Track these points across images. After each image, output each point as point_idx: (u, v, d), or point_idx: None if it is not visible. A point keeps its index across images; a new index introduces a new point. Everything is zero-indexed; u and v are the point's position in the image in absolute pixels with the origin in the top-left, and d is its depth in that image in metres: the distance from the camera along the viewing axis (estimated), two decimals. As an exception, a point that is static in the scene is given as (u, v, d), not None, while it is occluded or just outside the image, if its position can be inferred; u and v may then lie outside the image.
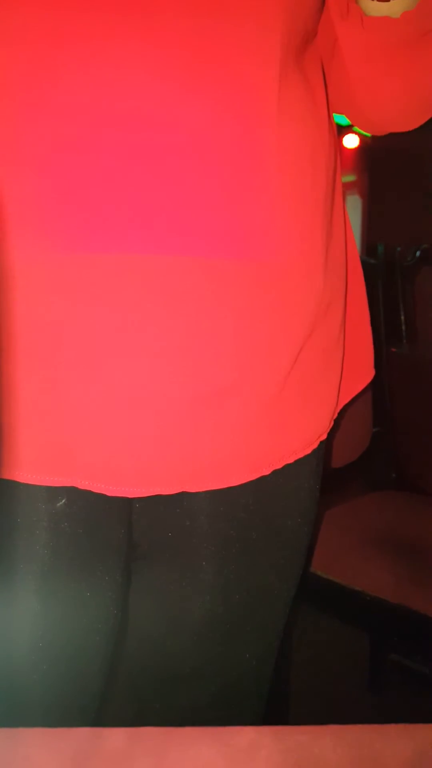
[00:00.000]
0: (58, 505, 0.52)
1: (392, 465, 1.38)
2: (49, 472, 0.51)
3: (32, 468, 0.50)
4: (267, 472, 0.55)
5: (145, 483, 0.52)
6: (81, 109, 0.44)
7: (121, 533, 0.56)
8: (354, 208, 6.19)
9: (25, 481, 0.51)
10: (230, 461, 0.53)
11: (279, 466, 0.55)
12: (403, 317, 1.40)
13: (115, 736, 0.36)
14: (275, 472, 0.56)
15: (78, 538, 0.54)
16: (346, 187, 6.27)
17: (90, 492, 0.52)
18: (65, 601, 0.54)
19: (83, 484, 0.51)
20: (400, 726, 0.37)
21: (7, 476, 0.50)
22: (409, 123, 0.58)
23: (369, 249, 1.50)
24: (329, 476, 1.25)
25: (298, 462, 0.57)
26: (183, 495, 0.55)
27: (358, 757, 0.35)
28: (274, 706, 1.15)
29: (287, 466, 0.56)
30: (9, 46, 0.44)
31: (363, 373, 0.67)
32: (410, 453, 1.36)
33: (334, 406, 0.59)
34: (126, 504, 0.56)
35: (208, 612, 0.58)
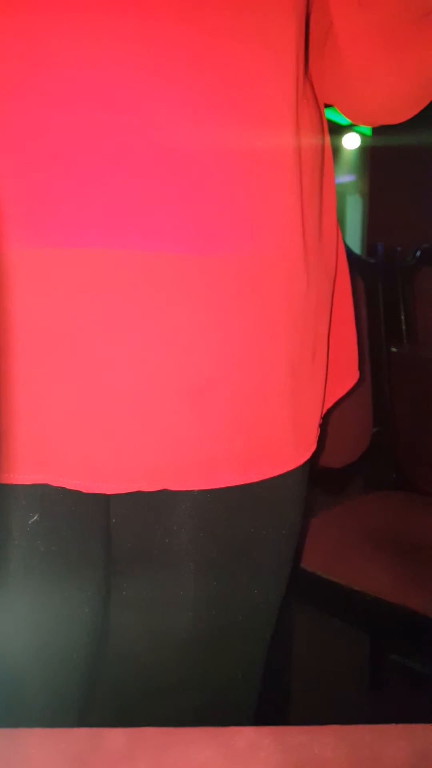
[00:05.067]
0: (30, 522, 0.50)
1: (392, 465, 1.38)
2: (22, 469, 0.48)
3: (3, 465, 0.48)
4: (255, 478, 0.53)
5: (123, 478, 0.49)
6: (63, 100, 0.43)
7: (97, 549, 0.55)
8: (354, 208, 6.20)
9: None
10: (215, 461, 0.51)
11: (269, 475, 0.53)
12: (403, 317, 1.40)
13: (115, 737, 0.36)
14: (258, 485, 0.54)
15: (52, 556, 0.52)
16: (346, 187, 6.28)
17: (65, 507, 0.50)
18: (39, 616, 0.53)
19: (58, 481, 0.49)
20: (400, 726, 0.37)
21: None
22: (404, 110, 0.55)
23: (369, 249, 1.50)
24: (329, 476, 1.26)
25: (283, 474, 0.55)
26: (163, 511, 0.53)
27: (358, 758, 0.35)
28: (274, 706, 1.15)
29: (272, 479, 0.54)
30: None
31: (348, 376, 0.65)
32: (410, 453, 1.36)
33: (320, 413, 0.58)
34: (104, 519, 0.55)
35: (191, 628, 0.57)
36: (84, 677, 0.58)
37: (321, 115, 0.57)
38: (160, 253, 0.45)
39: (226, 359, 0.49)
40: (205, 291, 0.47)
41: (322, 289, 0.55)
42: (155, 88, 0.43)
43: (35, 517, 0.51)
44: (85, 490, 0.49)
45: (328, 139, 0.58)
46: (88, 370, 0.46)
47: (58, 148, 0.43)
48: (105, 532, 0.55)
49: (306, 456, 0.56)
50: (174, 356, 0.47)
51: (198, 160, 0.45)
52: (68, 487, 0.49)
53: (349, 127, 5.94)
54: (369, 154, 5.21)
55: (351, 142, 6.05)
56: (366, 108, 0.56)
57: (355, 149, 6.20)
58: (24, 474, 0.49)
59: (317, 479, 1.23)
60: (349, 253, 1.31)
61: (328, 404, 0.62)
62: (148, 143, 0.44)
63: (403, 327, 1.40)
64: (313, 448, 0.57)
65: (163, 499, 0.54)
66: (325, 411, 0.61)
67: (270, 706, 1.14)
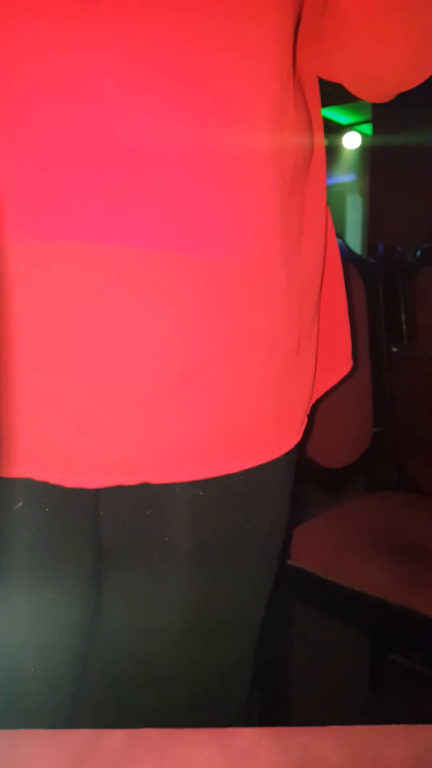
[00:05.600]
0: (15, 508, 0.51)
1: (392, 465, 1.38)
2: (4, 462, 0.49)
3: None
4: (236, 469, 0.53)
5: (103, 472, 0.50)
6: (47, 96, 0.43)
7: (83, 538, 0.55)
8: (354, 208, 6.20)
9: None
10: (194, 453, 0.51)
11: (249, 465, 0.54)
12: (403, 317, 1.40)
13: (115, 738, 0.36)
14: (242, 478, 0.55)
15: (36, 543, 0.52)
16: (347, 187, 6.29)
17: (49, 495, 0.51)
18: (25, 603, 0.53)
19: (39, 475, 0.50)
20: (400, 726, 0.37)
21: None
22: (414, 73, 0.53)
23: (369, 249, 1.49)
24: (329, 476, 1.26)
25: (267, 467, 0.55)
26: (149, 505, 0.54)
27: (358, 758, 0.35)
28: (274, 706, 1.15)
29: (256, 472, 0.55)
30: None
31: (340, 364, 0.65)
32: (410, 453, 1.36)
33: (307, 405, 0.59)
34: (90, 508, 0.55)
35: (180, 622, 0.58)
36: (75, 665, 0.58)
37: (309, 115, 0.56)
38: (138, 249, 0.46)
39: (200, 353, 0.49)
40: (180, 287, 0.47)
41: (306, 285, 0.56)
42: (134, 89, 0.44)
43: (19, 504, 0.51)
44: (66, 485, 0.50)
45: (320, 138, 0.58)
46: (66, 364, 0.47)
47: (39, 144, 0.44)
48: (92, 521, 0.56)
49: (288, 446, 0.57)
50: (149, 350, 0.48)
51: (172, 160, 0.45)
52: (50, 481, 0.50)
53: (349, 127, 5.93)
54: (369, 154, 5.20)
55: (351, 141, 6.04)
56: (376, 73, 0.55)
57: (355, 149, 6.19)
58: (6, 467, 0.49)
59: (317, 479, 1.24)
60: (349, 253, 1.31)
61: (319, 393, 0.62)
62: (125, 142, 0.44)
63: (403, 327, 1.40)
64: (297, 438, 0.58)
65: (149, 492, 0.54)
66: (314, 400, 0.61)
67: (270, 706, 1.14)
